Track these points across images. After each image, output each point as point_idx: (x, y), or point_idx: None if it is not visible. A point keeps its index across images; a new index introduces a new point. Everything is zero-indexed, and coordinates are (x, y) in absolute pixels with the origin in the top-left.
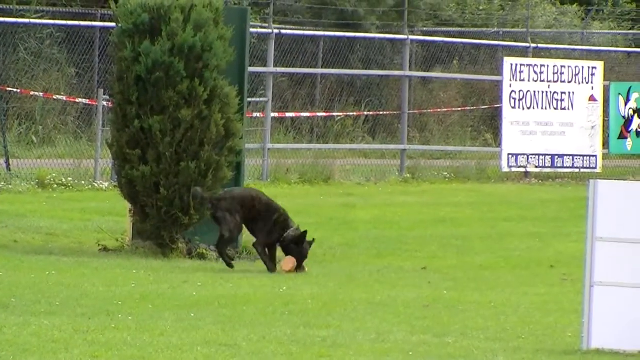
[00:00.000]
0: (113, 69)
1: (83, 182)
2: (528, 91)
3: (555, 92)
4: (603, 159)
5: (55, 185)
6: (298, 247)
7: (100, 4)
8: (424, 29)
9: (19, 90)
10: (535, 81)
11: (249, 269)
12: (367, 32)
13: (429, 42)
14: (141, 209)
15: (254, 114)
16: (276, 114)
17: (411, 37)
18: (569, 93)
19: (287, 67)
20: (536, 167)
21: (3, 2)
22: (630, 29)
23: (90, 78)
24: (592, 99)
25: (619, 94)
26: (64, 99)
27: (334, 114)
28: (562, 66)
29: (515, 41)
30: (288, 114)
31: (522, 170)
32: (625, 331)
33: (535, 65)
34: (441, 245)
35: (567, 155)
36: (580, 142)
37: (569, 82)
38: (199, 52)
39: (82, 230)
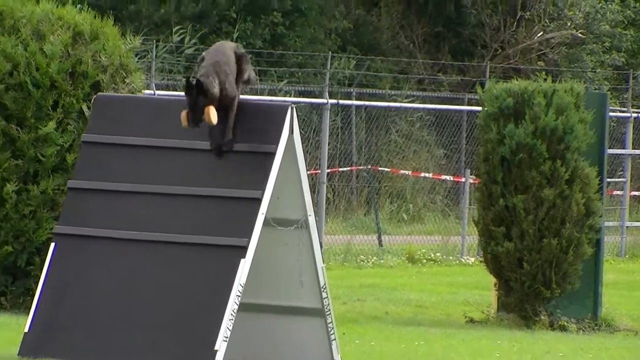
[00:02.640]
0: (479, 150)
1: (450, 258)
2: None
3: None
4: None
5: (425, 260)
6: None
7: (468, 88)
8: None
9: (389, 170)
10: None
11: (607, 341)
12: None
13: None
14: (505, 282)
15: (615, 192)
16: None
17: None
18: None
19: None
20: None
21: (377, 87)
22: None
23: (458, 159)
24: None
25: None
26: (430, 176)
27: None
28: None
29: None
30: None
31: None
32: None
33: None
34: None
35: None
36: None
37: None
38: (561, 135)
39: (449, 303)
